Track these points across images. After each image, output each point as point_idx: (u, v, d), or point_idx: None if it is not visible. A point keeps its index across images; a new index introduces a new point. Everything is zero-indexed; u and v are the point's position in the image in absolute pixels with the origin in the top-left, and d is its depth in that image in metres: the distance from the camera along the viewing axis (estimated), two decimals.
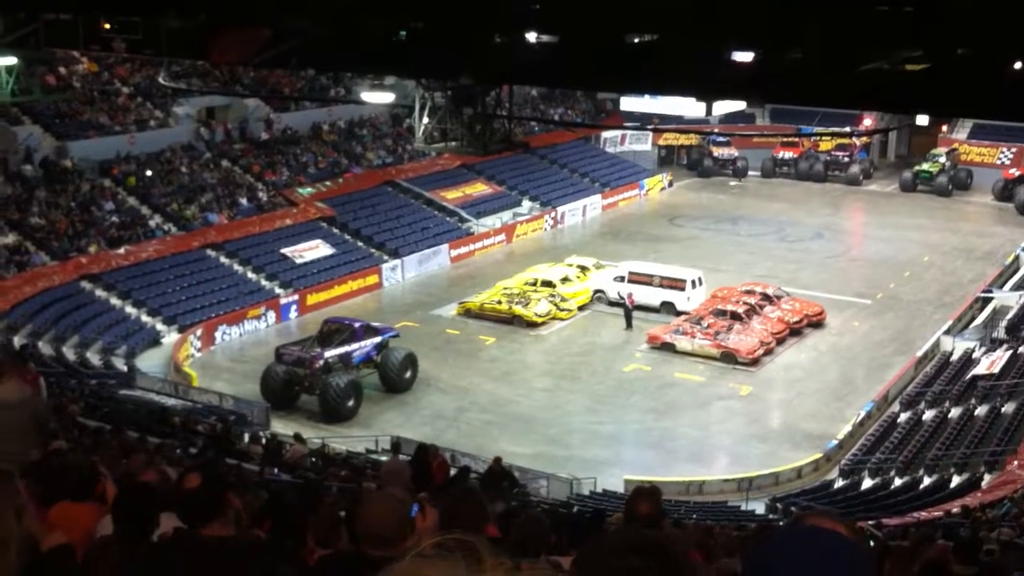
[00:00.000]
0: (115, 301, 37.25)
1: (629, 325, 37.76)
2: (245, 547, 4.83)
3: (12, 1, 21.74)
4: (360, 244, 45.18)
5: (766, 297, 38.61)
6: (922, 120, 42.97)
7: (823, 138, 60.83)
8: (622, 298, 38.38)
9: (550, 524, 7.23)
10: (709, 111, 30.60)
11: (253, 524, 6.64)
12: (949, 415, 30.35)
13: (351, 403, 31.05)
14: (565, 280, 40.67)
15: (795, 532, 2.36)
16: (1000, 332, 35.98)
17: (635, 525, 5.63)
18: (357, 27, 17.04)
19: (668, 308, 38.98)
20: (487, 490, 17.40)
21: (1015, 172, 57.40)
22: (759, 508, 25.61)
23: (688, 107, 32.34)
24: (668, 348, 35.72)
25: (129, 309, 37.17)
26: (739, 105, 35.05)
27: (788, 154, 62.92)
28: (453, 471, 19.91)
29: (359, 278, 42.67)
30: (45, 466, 7.02)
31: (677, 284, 39.55)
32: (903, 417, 31.04)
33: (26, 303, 35.24)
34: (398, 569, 1.59)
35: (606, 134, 61.30)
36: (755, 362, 34.89)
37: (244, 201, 44.53)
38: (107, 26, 20.46)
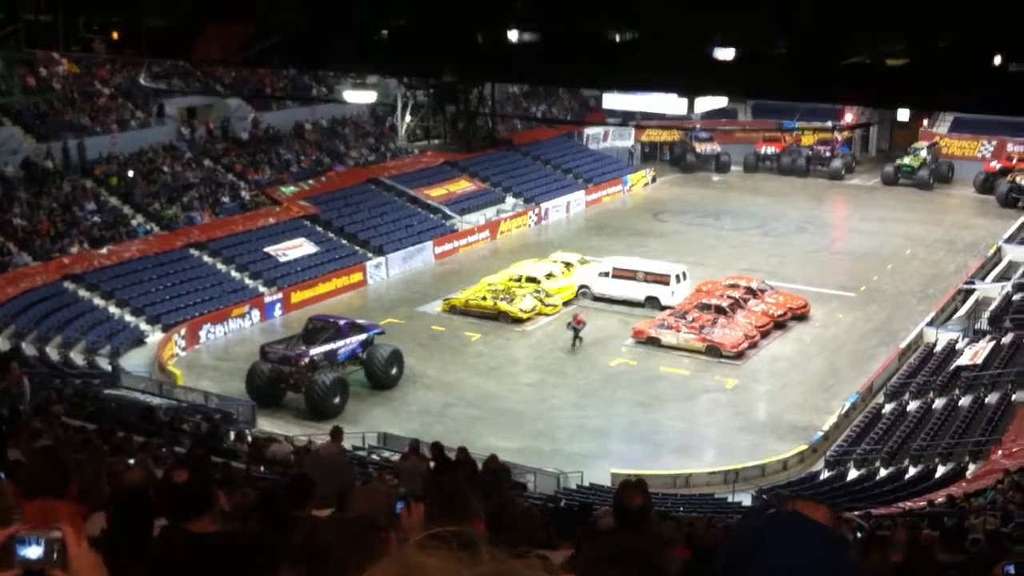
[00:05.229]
0: (98, 301, 37.12)
1: (575, 345, 35.90)
2: (234, 541, 4.87)
3: None
4: (344, 242, 45.14)
5: (750, 291, 38.75)
6: (903, 114, 43.16)
7: (805, 133, 61.02)
8: (571, 325, 36.21)
9: (542, 518, 7.29)
10: (691, 107, 30.62)
11: (242, 520, 6.67)
12: (933, 406, 30.52)
13: (337, 400, 31.05)
14: (550, 276, 40.75)
15: (776, 519, 2.40)
16: (983, 323, 36.18)
17: (624, 527, 5.67)
18: (339, 25, 17.04)
19: (653, 303, 39.10)
20: (485, 486, 17.37)
21: (996, 165, 57.70)
22: (746, 500, 25.73)
23: (670, 104, 32.35)
24: (653, 342, 35.82)
25: (112, 309, 37.05)
26: (721, 101, 35.05)
27: (770, 149, 63.10)
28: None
29: (343, 276, 42.64)
30: (28, 464, 7.03)
31: (661, 279, 39.67)
32: (888, 408, 31.21)
33: (8, 303, 35.08)
34: (396, 558, 1.62)
35: (589, 130, 61.33)
36: (740, 355, 35.02)
37: (227, 200, 44.43)
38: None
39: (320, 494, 10.70)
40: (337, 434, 16.09)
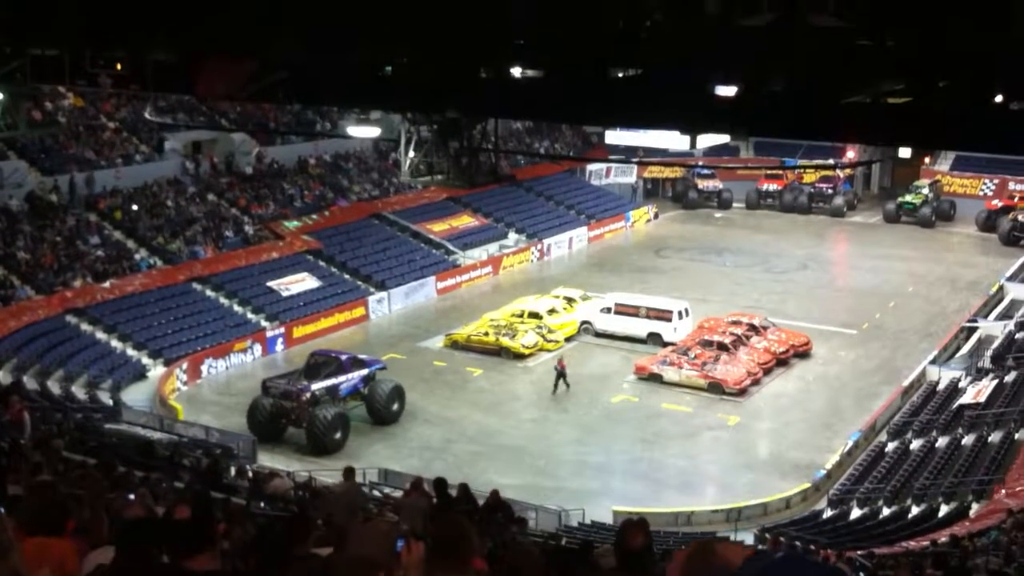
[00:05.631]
0: (100, 335, 37.10)
1: (557, 389, 35.15)
2: None
3: None
4: (346, 277, 45.18)
5: (752, 327, 38.70)
6: (905, 152, 43.36)
7: (807, 170, 61.23)
8: (556, 369, 35.56)
9: (542, 557, 7.24)
10: (693, 144, 30.71)
11: (241, 558, 6.63)
12: (936, 444, 30.40)
13: (338, 435, 30.97)
14: (552, 312, 40.73)
15: (783, 561, 2.38)
16: (986, 361, 36.09)
17: (625, 567, 5.65)
18: (343, 61, 17.12)
19: (655, 339, 39.06)
20: (485, 523, 17.29)
21: (998, 203, 57.85)
22: (748, 538, 25.55)
23: (673, 140, 32.52)
24: (655, 379, 35.76)
25: (115, 343, 37.02)
26: (723, 138, 35.24)
27: (772, 186, 63.31)
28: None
29: (346, 311, 42.64)
30: (27, 501, 7.01)
31: (664, 315, 39.66)
32: (891, 446, 31.08)
33: (11, 337, 35.06)
34: None
35: (591, 167, 61.53)
36: (742, 392, 34.93)
37: (230, 234, 44.52)
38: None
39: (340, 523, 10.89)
40: (349, 473, 16.86)
